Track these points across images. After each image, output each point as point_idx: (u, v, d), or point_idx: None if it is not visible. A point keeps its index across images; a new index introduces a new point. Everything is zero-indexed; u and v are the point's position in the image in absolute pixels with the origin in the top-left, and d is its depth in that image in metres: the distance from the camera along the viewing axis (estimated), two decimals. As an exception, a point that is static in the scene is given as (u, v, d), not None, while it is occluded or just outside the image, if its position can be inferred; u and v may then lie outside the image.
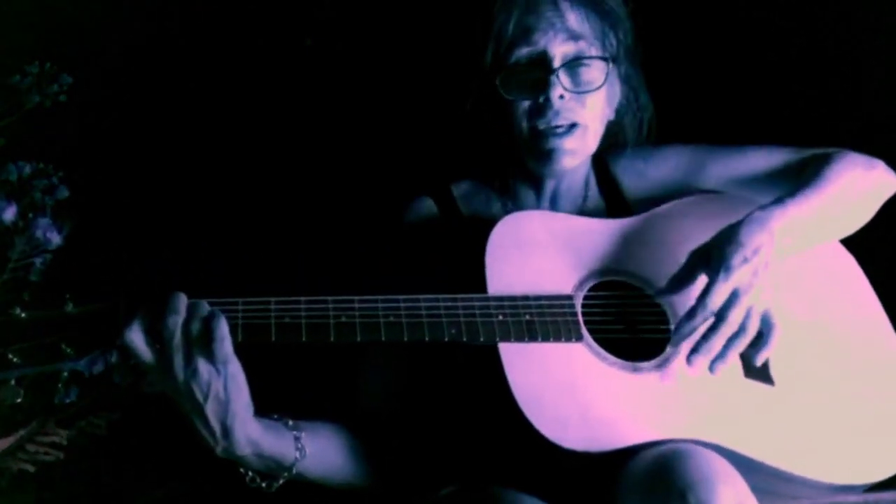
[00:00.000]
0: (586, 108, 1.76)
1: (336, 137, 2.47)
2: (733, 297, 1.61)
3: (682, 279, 1.67)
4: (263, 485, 1.62)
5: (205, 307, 1.50)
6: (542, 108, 1.74)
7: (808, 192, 1.74)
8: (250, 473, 1.61)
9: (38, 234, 1.60)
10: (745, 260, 1.62)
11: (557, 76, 1.73)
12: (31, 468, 1.74)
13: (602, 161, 1.92)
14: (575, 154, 1.77)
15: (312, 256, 2.34)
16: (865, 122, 2.28)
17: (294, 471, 1.61)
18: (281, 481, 1.62)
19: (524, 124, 1.76)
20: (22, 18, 2.26)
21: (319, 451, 1.64)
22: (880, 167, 1.87)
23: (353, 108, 2.45)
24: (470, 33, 1.80)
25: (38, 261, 1.60)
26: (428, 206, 1.87)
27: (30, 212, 1.72)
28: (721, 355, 1.63)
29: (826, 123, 2.27)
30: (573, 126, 1.76)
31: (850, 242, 1.90)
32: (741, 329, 1.62)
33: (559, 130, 1.75)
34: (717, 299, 1.61)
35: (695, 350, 1.63)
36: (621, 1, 1.83)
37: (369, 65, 2.45)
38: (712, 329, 1.62)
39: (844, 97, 2.34)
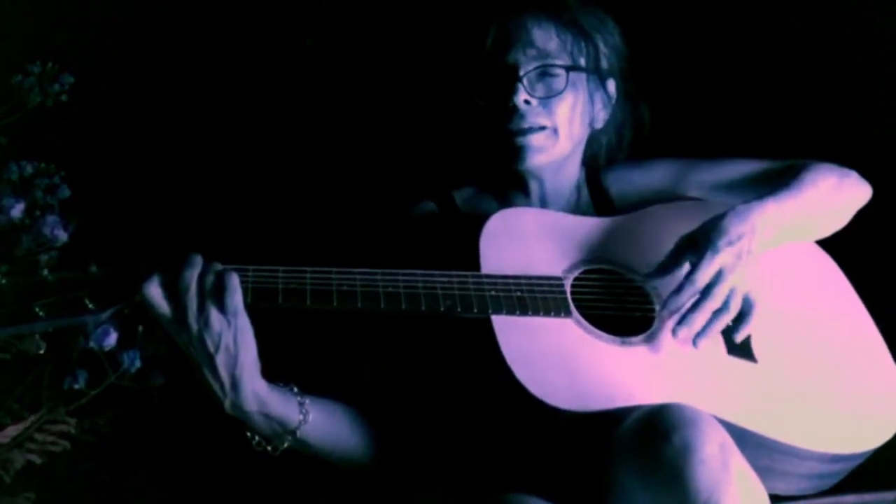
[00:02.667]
0: (554, 114, 1.88)
1: (338, 138, 2.47)
2: (718, 276, 1.72)
3: (670, 263, 1.77)
4: (269, 448, 1.67)
5: (218, 265, 1.59)
6: (510, 112, 1.86)
7: (786, 192, 1.84)
8: (256, 438, 1.66)
9: (46, 231, 1.61)
10: (730, 243, 1.72)
11: (522, 83, 1.86)
12: (37, 459, 1.75)
13: (593, 172, 2.03)
14: (543, 151, 1.88)
15: (314, 253, 2.34)
16: (848, 131, 2.34)
17: (298, 434, 1.66)
18: (285, 445, 1.66)
19: (497, 128, 1.88)
20: (24, 18, 2.27)
21: (322, 419, 1.69)
22: (853, 177, 1.97)
23: (355, 108, 2.46)
24: (456, 48, 1.96)
25: (43, 258, 1.60)
26: (429, 208, 1.96)
27: (33, 210, 1.72)
28: (704, 329, 1.72)
29: (808, 134, 2.31)
30: (540, 128, 1.88)
31: (828, 245, 1.98)
32: (724, 305, 1.72)
33: (525, 128, 1.87)
34: (703, 277, 1.71)
35: (681, 322, 1.72)
36: (599, 20, 1.96)
37: (371, 65, 2.46)
38: (697, 304, 1.72)
39: (827, 108, 2.38)
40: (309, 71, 2.45)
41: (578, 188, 2.00)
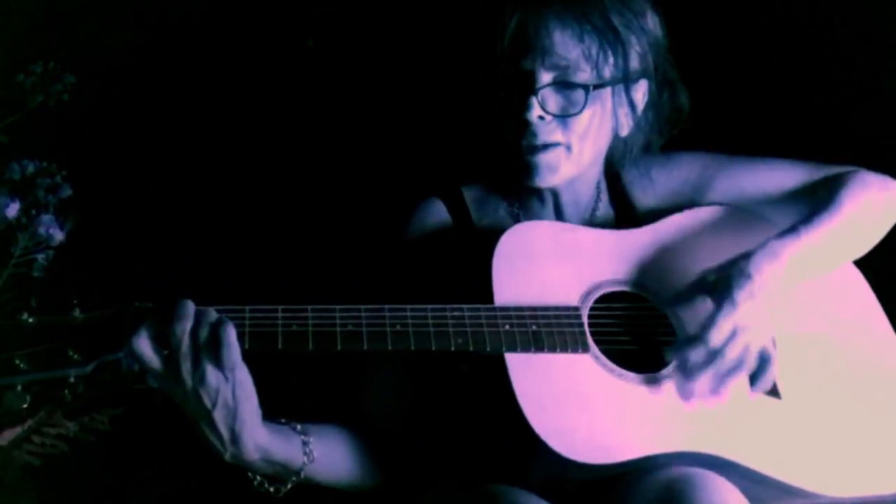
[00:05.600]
0: (569, 130, 1.76)
1: (339, 138, 2.47)
2: (734, 334, 1.63)
3: (687, 301, 1.70)
4: (272, 489, 1.63)
5: (212, 314, 1.50)
6: (522, 126, 1.75)
7: (822, 218, 1.75)
8: (258, 478, 1.62)
9: (41, 230, 1.62)
10: (751, 295, 1.64)
11: (537, 98, 1.73)
12: (36, 461, 1.75)
13: (613, 171, 1.92)
14: (556, 170, 1.77)
15: (319, 260, 2.35)
16: (879, 127, 2.29)
17: (302, 475, 1.62)
18: (289, 486, 1.63)
19: (508, 139, 1.77)
20: (26, 18, 2.27)
21: (327, 455, 1.65)
22: (893, 189, 1.86)
23: (357, 108, 2.46)
24: (466, 48, 1.83)
25: (40, 257, 1.61)
26: (438, 209, 1.87)
27: (32, 209, 1.73)
28: (714, 389, 1.65)
29: (840, 129, 2.28)
30: (553, 145, 1.76)
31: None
32: (738, 365, 1.64)
33: (537, 145, 1.75)
34: (717, 335, 1.63)
35: (689, 379, 1.65)
36: (635, 13, 1.80)
37: (371, 65, 2.46)
38: (709, 362, 1.64)
39: (860, 104, 2.35)
40: (310, 71, 2.45)
41: (598, 192, 1.90)
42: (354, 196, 2.43)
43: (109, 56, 2.32)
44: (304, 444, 1.62)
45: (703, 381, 1.64)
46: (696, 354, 1.63)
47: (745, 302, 1.63)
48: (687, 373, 1.65)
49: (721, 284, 1.66)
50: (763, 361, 1.66)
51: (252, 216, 2.42)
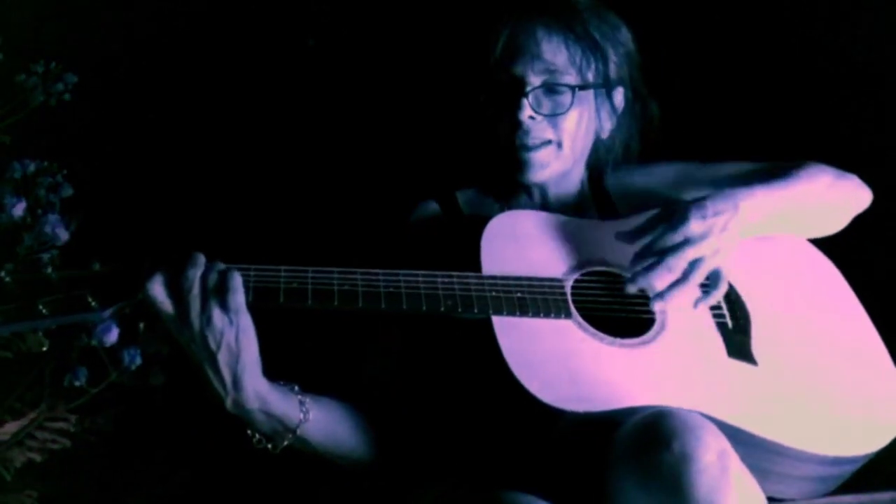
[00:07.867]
0: (558, 129, 1.89)
1: (339, 138, 2.48)
2: (682, 244, 1.71)
3: (642, 226, 1.77)
4: (269, 446, 1.69)
5: (221, 265, 1.61)
6: (515, 126, 1.87)
7: (777, 182, 1.86)
8: (257, 435, 1.68)
9: (47, 229, 1.63)
10: (703, 217, 1.72)
11: (527, 99, 1.86)
12: (38, 457, 1.76)
13: (596, 174, 2.03)
14: (546, 167, 1.90)
15: (317, 255, 2.35)
16: (851, 135, 2.35)
17: (298, 432, 1.67)
18: (285, 443, 1.68)
19: (502, 139, 1.89)
20: (28, 18, 2.28)
21: (323, 418, 1.71)
22: (852, 179, 1.97)
23: (356, 108, 2.47)
24: (463, 55, 1.95)
25: (45, 256, 1.62)
26: (432, 208, 1.98)
27: (35, 209, 1.74)
28: (661, 295, 1.72)
29: (811, 138, 2.31)
30: (544, 143, 1.89)
31: (828, 249, 1.99)
32: (683, 276, 1.72)
33: (530, 145, 1.88)
34: (664, 242, 1.71)
35: (633, 279, 1.72)
36: (612, 28, 1.95)
37: (372, 65, 2.47)
38: (654, 266, 1.71)
39: (830, 111, 2.38)
40: (311, 71, 2.46)
41: (581, 191, 2.01)
42: (354, 194, 2.44)
43: (111, 56, 2.33)
44: (301, 402, 1.68)
45: (648, 281, 1.71)
46: (646, 261, 1.71)
47: (696, 220, 1.71)
48: (632, 277, 1.72)
49: (677, 208, 1.74)
50: (714, 280, 1.75)
51: (254, 215, 2.42)
